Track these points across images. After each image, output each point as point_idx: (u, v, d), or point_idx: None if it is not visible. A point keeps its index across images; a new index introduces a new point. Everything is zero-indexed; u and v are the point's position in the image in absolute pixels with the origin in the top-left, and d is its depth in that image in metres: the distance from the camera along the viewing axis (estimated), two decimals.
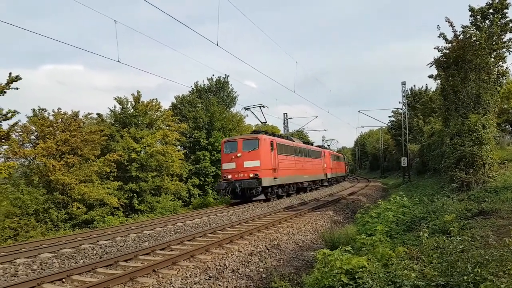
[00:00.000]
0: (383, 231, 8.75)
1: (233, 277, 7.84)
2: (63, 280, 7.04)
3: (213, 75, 42.55)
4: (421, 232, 7.74)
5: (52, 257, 8.69)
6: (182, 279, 7.23)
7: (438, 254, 6.45)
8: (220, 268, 8.05)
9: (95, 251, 9.45)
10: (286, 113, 49.54)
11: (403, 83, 40.60)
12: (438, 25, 19.18)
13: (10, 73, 15.12)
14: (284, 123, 49.43)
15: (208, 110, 30.92)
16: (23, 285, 6.53)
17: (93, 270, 7.66)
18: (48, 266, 8.01)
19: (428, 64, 20.92)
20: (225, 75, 39.99)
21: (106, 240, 10.68)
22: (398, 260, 6.35)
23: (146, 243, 10.59)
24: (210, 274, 7.67)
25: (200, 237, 11.15)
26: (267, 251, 9.85)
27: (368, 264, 5.93)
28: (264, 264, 8.79)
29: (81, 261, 8.54)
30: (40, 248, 9.47)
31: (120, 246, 10.10)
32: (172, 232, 12.12)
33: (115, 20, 14.49)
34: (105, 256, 8.92)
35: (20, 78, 15.31)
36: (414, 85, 48.39)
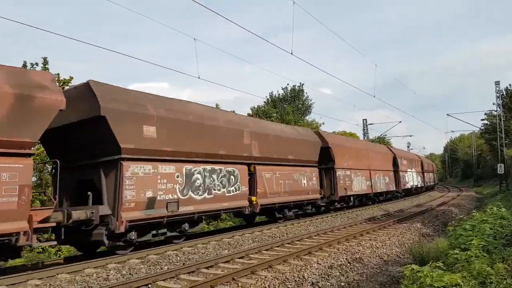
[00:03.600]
0: (479, 245, 7.90)
1: None
2: (149, 285, 7.36)
3: (288, 84, 42.68)
4: None
5: (139, 263, 9.19)
6: None
7: None
8: (299, 280, 7.86)
9: (178, 258, 9.82)
10: (366, 119, 47.88)
11: (497, 83, 37.04)
12: None
13: None
14: (364, 129, 47.85)
15: (283, 120, 31.05)
16: None
17: (176, 276, 7.94)
18: (136, 271, 8.46)
19: None
20: (300, 83, 39.82)
21: (189, 246, 11.06)
22: (498, 278, 5.66)
23: (226, 250, 10.77)
24: (289, 286, 7.52)
25: (277, 247, 11.06)
26: (348, 264, 9.43)
27: (462, 282, 5.36)
28: (345, 278, 8.41)
29: (166, 267, 8.91)
30: (129, 253, 10.07)
31: (202, 253, 10.38)
32: (250, 241, 12.20)
33: (194, 38, 15.17)
34: (187, 263, 9.22)
35: None
36: (510, 84, 44.02)
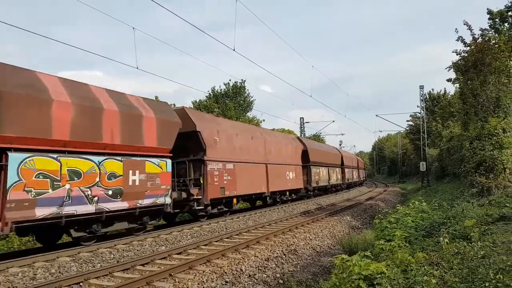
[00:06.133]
0: (402, 237, 8.60)
1: (250, 282, 7.79)
2: (81, 284, 7.10)
3: (230, 80, 42.77)
4: (441, 238, 7.58)
5: (70, 260, 8.78)
6: (198, 284, 7.23)
7: (458, 260, 6.31)
8: (236, 273, 8.02)
9: (112, 255, 9.52)
10: (303, 117, 49.42)
11: (421, 87, 40.03)
12: (456, 29, 18.95)
13: None
14: (301, 127, 49.35)
15: (225, 115, 31.08)
16: None
17: (110, 274, 7.71)
18: (66, 270, 8.08)
19: (446, 68, 20.67)
20: (242, 80, 40.00)
21: (124, 244, 10.76)
22: (417, 266, 6.22)
23: (163, 247, 10.63)
24: (227, 279, 7.65)
25: (216, 241, 11.15)
26: (284, 256, 9.78)
27: (387, 270, 5.83)
28: (281, 270, 8.72)
29: (99, 265, 8.60)
30: (59, 251, 9.56)
31: (137, 250, 10.15)
32: (188, 236, 12.15)
33: (133, 28, 14.57)
34: (122, 260, 8.98)
35: None
36: (432, 89, 47.86)
